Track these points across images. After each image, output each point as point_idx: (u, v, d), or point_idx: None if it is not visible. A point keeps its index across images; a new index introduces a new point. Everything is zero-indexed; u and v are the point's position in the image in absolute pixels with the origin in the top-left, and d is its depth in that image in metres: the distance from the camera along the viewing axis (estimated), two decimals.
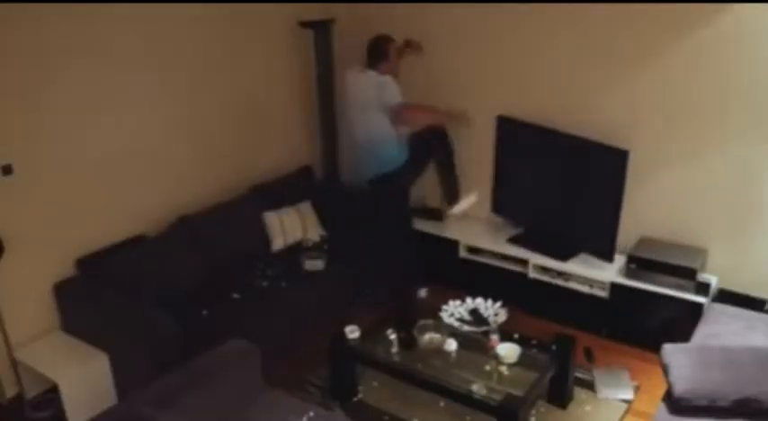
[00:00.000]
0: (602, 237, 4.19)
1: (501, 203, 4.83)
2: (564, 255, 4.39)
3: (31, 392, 3.83)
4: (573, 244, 4.46)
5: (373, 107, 4.20)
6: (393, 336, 3.60)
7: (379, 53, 4.20)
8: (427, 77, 4.86)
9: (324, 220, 4.91)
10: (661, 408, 3.08)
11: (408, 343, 3.59)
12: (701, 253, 4.06)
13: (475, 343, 3.60)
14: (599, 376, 3.88)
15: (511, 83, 4.61)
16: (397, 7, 4.88)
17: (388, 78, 4.16)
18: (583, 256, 4.38)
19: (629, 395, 3.74)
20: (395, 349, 3.58)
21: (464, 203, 4.75)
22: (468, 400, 3.29)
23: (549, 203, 4.53)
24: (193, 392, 2.89)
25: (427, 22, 4.79)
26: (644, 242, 4.21)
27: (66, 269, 3.94)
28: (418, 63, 4.77)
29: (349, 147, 5.04)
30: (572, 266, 4.33)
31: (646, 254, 4.07)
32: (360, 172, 4.52)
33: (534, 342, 3.57)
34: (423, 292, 4.69)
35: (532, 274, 4.46)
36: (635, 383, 3.84)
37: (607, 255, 4.21)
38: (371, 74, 4.21)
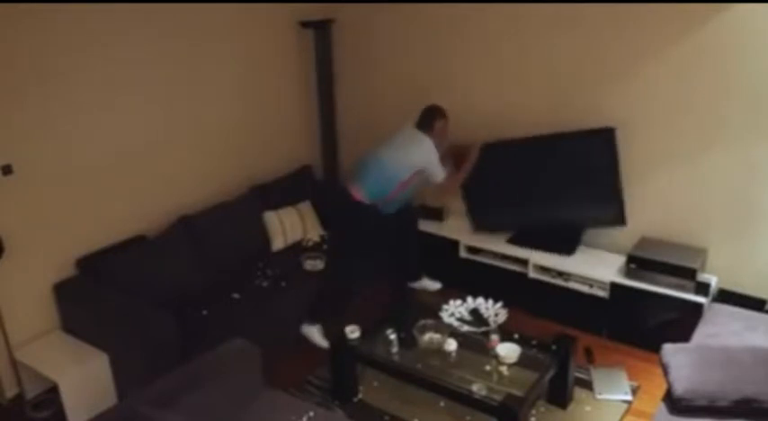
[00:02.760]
0: (609, 205, 4.22)
1: (483, 220, 4.74)
2: (567, 249, 4.39)
3: (31, 392, 3.83)
4: (576, 228, 4.45)
5: (407, 160, 4.14)
6: (393, 336, 3.60)
7: (426, 124, 4.20)
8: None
9: (324, 220, 4.91)
10: (661, 408, 3.08)
11: (408, 343, 3.59)
12: (700, 253, 4.05)
13: (475, 343, 3.60)
14: (598, 376, 3.88)
15: (506, 83, 4.62)
16: (396, 7, 4.88)
17: (434, 157, 4.15)
18: (583, 257, 4.40)
19: (627, 396, 3.74)
20: (395, 349, 3.58)
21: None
22: (468, 400, 3.29)
23: (541, 204, 4.49)
24: (193, 392, 2.89)
25: (424, 22, 4.80)
26: (644, 242, 4.21)
27: (66, 269, 3.94)
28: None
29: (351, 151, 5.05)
30: (572, 266, 4.33)
31: (646, 254, 4.07)
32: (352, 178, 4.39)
33: (534, 342, 3.57)
34: (437, 285, 4.78)
35: (532, 274, 4.46)
36: (635, 383, 3.84)
37: (619, 220, 4.24)
38: (423, 137, 4.17)
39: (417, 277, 4.84)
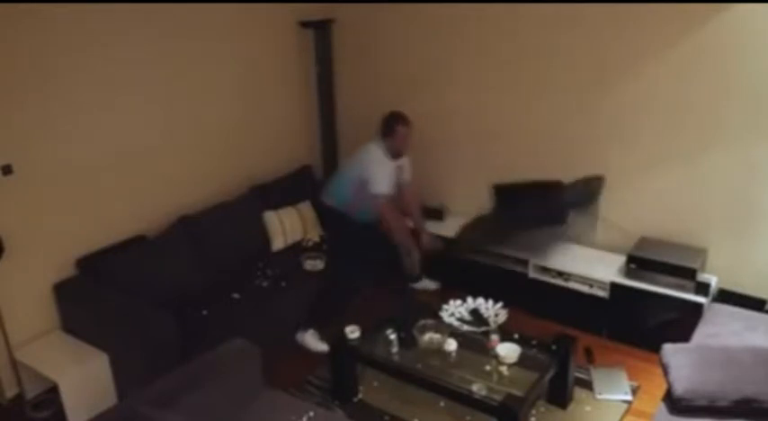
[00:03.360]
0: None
1: None
2: (558, 219, 4.39)
3: (31, 392, 3.83)
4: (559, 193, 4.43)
5: (353, 167, 4.24)
6: (393, 336, 3.60)
7: (386, 129, 4.23)
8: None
9: (323, 220, 4.90)
10: (661, 408, 3.08)
11: (408, 343, 3.59)
12: (700, 253, 4.05)
13: (475, 343, 3.60)
14: (598, 376, 3.88)
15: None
16: (396, 7, 4.88)
17: (376, 165, 4.15)
18: (584, 256, 4.41)
19: (627, 396, 3.74)
20: (395, 349, 3.58)
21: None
22: (468, 400, 3.29)
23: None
24: (193, 392, 2.89)
25: (424, 22, 4.80)
26: (644, 242, 4.21)
27: (66, 269, 3.94)
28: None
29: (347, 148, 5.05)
30: (572, 266, 4.33)
31: (646, 254, 4.07)
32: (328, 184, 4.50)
33: (534, 342, 3.57)
34: (435, 284, 4.82)
35: (532, 274, 4.46)
36: (635, 383, 3.84)
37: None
38: (379, 145, 4.22)
39: (417, 277, 4.83)
